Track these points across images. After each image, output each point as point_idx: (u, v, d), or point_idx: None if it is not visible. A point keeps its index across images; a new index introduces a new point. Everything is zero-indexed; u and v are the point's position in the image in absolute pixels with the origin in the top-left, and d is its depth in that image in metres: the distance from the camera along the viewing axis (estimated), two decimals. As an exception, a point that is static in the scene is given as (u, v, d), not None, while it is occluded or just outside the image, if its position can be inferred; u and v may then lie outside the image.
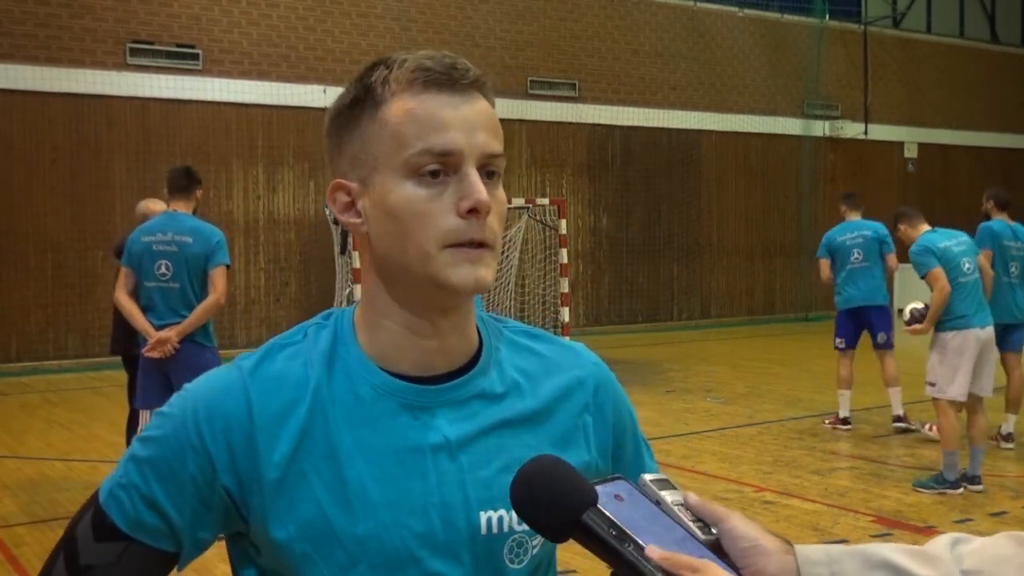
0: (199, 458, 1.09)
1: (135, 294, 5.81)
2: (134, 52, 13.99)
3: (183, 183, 5.88)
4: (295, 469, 1.09)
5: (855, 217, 8.81)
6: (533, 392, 1.19)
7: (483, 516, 1.12)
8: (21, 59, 13.22)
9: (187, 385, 1.15)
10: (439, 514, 1.10)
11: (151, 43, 14.12)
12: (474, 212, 1.08)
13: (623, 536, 0.91)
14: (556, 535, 0.94)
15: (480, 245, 1.09)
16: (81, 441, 8.43)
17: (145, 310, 5.75)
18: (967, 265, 6.60)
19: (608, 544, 0.91)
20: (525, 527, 1.12)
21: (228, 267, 5.84)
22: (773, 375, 12.10)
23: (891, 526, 5.75)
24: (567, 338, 1.33)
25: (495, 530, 1.13)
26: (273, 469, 1.09)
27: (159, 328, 5.67)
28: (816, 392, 10.56)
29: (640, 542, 0.91)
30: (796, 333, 17.69)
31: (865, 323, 8.56)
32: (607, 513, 0.92)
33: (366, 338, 1.16)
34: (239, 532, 1.14)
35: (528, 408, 1.18)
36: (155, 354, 5.65)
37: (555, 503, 0.92)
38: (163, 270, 5.75)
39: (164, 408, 1.14)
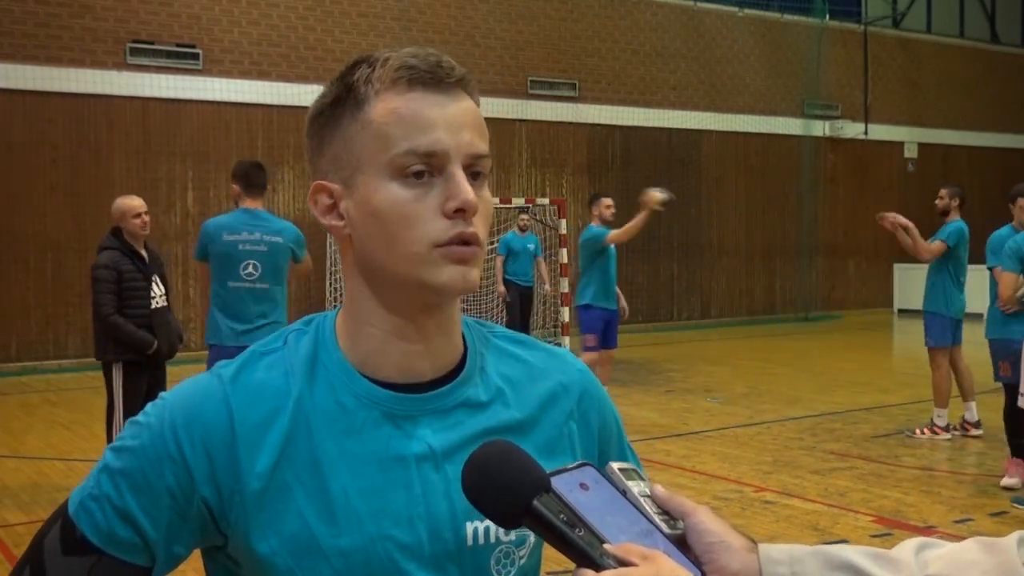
0: (177, 469, 1.05)
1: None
2: (134, 52, 14.00)
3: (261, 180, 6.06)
4: (278, 480, 1.06)
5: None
6: (518, 400, 1.17)
7: (469, 527, 1.09)
8: (21, 59, 13.22)
9: (164, 393, 1.12)
10: (425, 526, 1.08)
11: (151, 43, 14.12)
12: (460, 212, 1.05)
13: (574, 521, 0.89)
14: (506, 521, 0.92)
15: (469, 243, 1.07)
16: (81, 441, 8.43)
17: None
18: None
19: (557, 529, 0.88)
20: (511, 537, 1.11)
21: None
22: (773, 375, 12.09)
23: (891, 526, 5.75)
24: (564, 339, 1.31)
25: (481, 541, 1.10)
26: (255, 480, 1.06)
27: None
28: (816, 392, 10.57)
29: (598, 530, 0.89)
30: (796, 333, 17.70)
31: (608, 324, 9.06)
32: (561, 498, 0.90)
33: (348, 344, 1.13)
34: (215, 546, 1.10)
35: (513, 417, 1.16)
36: None
37: (506, 488, 0.91)
38: (250, 270, 5.78)
39: (139, 417, 1.10)
